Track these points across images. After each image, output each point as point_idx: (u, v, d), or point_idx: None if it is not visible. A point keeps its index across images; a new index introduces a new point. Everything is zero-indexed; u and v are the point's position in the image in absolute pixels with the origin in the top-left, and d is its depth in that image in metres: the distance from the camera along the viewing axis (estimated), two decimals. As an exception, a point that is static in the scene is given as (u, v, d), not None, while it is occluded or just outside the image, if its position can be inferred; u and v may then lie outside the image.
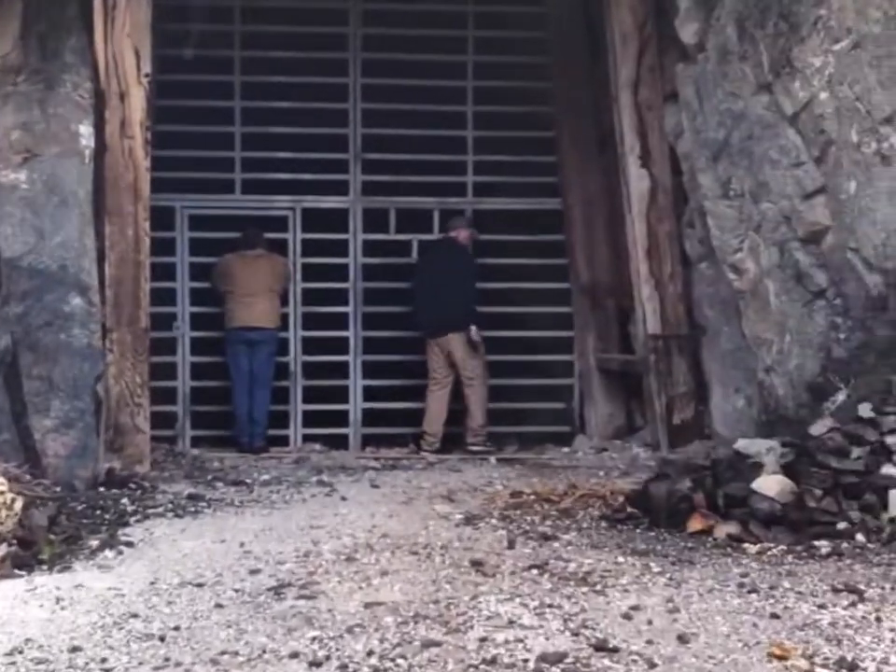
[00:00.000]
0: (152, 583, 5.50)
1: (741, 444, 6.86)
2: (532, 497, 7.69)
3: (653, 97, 9.34)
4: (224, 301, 10.50)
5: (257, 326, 10.41)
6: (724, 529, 6.43)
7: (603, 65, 9.86)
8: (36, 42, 8.40)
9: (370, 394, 11.00)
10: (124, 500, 7.29)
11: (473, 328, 10.17)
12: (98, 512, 6.91)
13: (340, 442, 11.11)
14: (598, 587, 5.42)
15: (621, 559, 5.94)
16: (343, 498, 7.70)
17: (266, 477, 8.63)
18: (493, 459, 9.83)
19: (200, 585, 5.46)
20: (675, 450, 9.19)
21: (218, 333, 10.63)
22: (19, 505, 5.90)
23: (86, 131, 8.52)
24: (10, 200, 8.13)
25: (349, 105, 10.89)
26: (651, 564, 5.86)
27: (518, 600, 5.19)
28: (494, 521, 6.96)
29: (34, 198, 8.16)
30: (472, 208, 11.04)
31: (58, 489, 7.02)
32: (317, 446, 10.86)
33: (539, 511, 7.28)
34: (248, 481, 8.43)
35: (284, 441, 10.89)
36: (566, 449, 10.60)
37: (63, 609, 5.17)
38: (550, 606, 5.12)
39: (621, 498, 7.38)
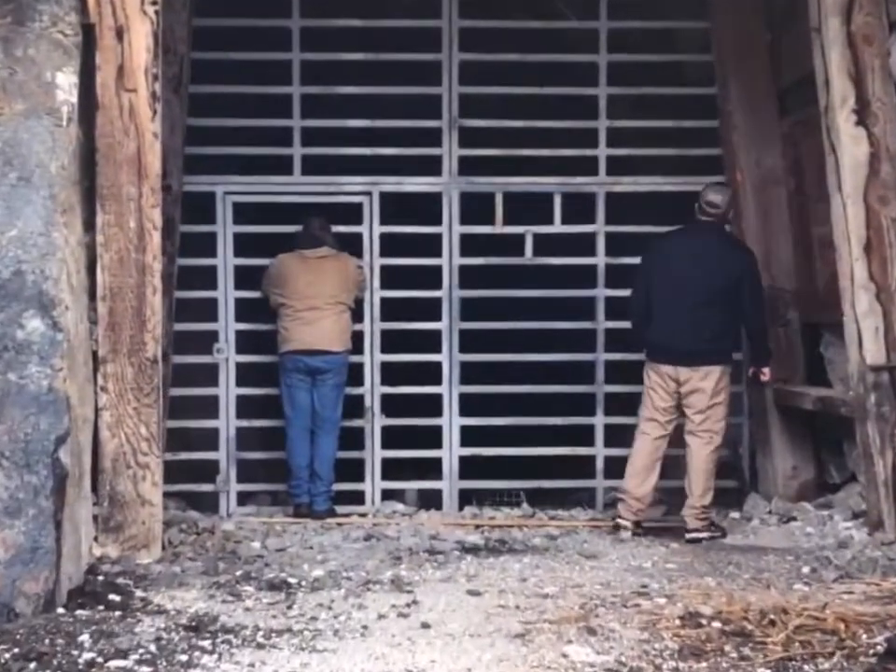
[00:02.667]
0: None
1: None
2: (716, 623, 4.97)
3: (874, 25, 6.51)
4: (278, 316, 7.94)
5: (321, 349, 7.82)
6: None
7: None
8: (-2, -44, 5.95)
9: (470, 437, 8.36)
10: (83, 637, 4.68)
11: (766, 368, 7.45)
12: (30, 667, 4.34)
13: (431, 498, 8.52)
14: None
15: None
16: (425, 626, 5.02)
17: (319, 573, 6.00)
18: (627, 534, 7.12)
19: None
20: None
21: (271, 358, 8.08)
22: None
23: (66, 81, 5.99)
24: (-53, 176, 5.68)
25: (443, 56, 8.24)
26: None
27: None
28: (666, 683, 4.29)
29: (-21, 173, 5.69)
30: (605, 191, 8.31)
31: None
32: (400, 506, 8.26)
33: (736, 659, 4.56)
34: (292, 580, 5.80)
35: (357, 498, 8.29)
36: (735, 514, 7.85)
37: None
38: None
39: (865, 635, 4.66)
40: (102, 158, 6.27)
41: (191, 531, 6.70)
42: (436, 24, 8.19)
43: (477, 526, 7.64)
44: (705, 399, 7.19)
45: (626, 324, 7.68)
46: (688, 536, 7.12)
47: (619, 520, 7.22)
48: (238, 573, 5.96)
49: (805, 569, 6.10)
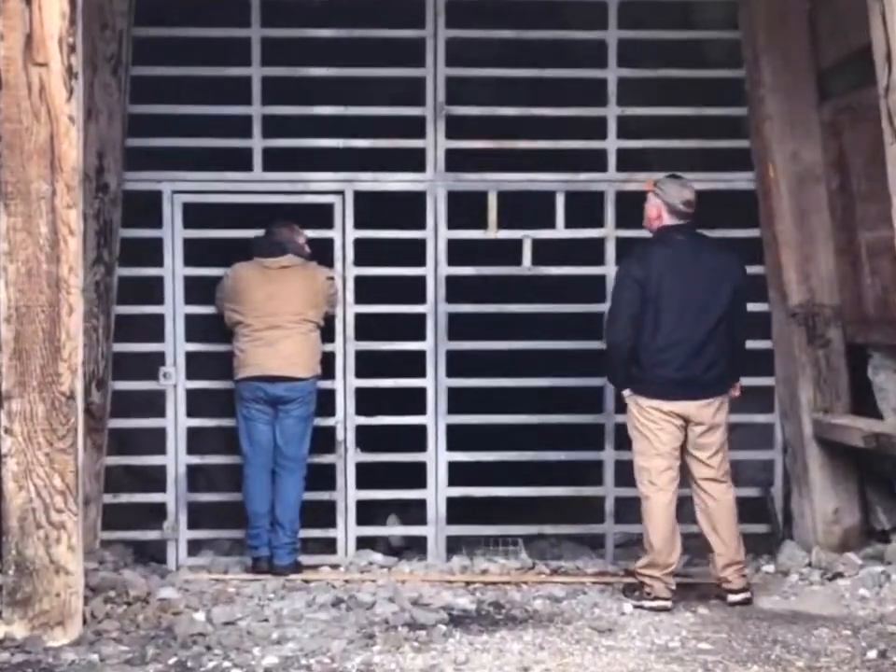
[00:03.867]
0: None
1: None
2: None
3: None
4: (234, 336, 6.78)
5: (283, 375, 6.66)
6: None
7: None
8: None
9: (459, 475, 7.20)
10: None
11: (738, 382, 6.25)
12: None
13: (414, 545, 7.39)
14: None
15: None
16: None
17: (272, 660, 4.84)
18: (637, 602, 5.96)
19: None
20: None
21: (227, 385, 6.92)
22: None
23: (-42, 51, 4.85)
24: None
25: (427, 33, 7.09)
26: None
27: None
28: None
29: None
30: (615, 189, 7.16)
31: None
32: (378, 556, 7.11)
33: None
34: (239, 672, 4.66)
35: (327, 546, 7.15)
36: (769, 567, 6.74)
37: None
38: None
39: None
40: (5, 147, 5.11)
41: (121, 600, 5.53)
42: (418, -4, 7.06)
43: (467, 584, 6.51)
44: (719, 435, 6.04)
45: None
46: (734, 598, 5.95)
47: (658, 603, 5.89)
48: (171, 661, 4.79)
49: (872, 653, 4.95)
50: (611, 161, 7.13)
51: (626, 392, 6.07)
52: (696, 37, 7.24)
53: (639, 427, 6.02)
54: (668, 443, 5.99)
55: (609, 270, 7.05)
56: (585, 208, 7.17)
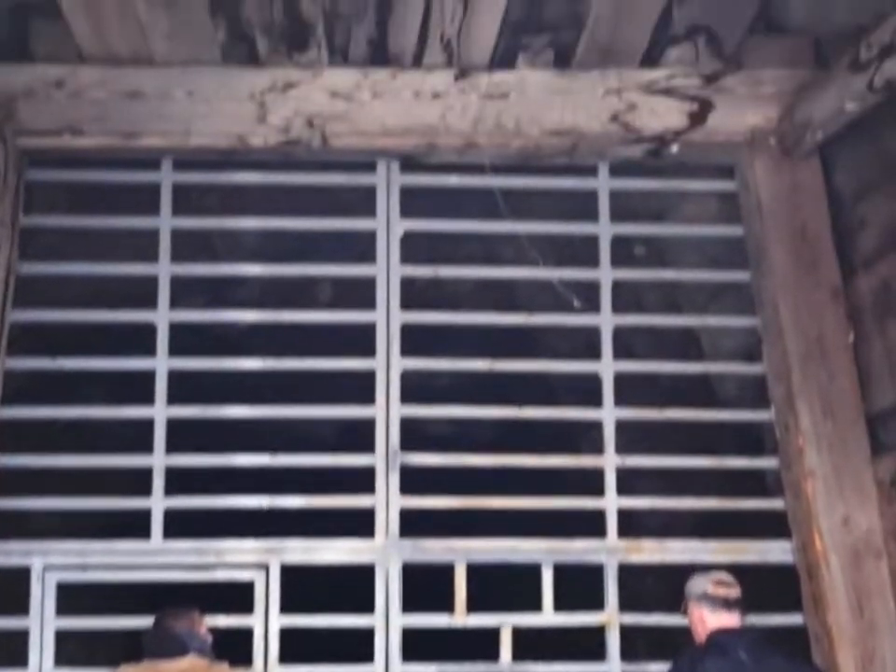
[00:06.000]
0: None
1: None
2: None
3: None
4: None
5: None
6: None
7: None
8: None
9: None
10: None
11: None
12: None
13: None
14: None
15: None
16: None
17: None
18: None
19: None
20: None
21: None
22: None
23: None
24: None
25: (378, 364, 5.65)
26: None
27: None
28: None
29: None
30: (616, 561, 5.59)
31: None
32: None
33: None
34: None
35: None
36: None
37: None
38: None
39: None
40: None
41: None
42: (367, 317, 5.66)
43: None
44: None
45: None
46: None
47: None
48: None
49: None
50: (611, 524, 5.61)
51: None
52: (707, 371, 5.91)
53: None
54: None
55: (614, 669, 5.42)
56: (580, 585, 5.60)
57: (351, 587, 5.65)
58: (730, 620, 4.59)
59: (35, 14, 5.42)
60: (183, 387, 5.52)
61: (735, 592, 4.68)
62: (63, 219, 5.67)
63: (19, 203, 5.46)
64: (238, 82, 5.55)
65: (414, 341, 5.69)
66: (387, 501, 5.55)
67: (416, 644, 5.56)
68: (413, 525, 5.61)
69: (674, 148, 5.65)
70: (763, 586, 5.59)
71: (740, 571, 5.24)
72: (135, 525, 5.44)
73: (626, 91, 5.63)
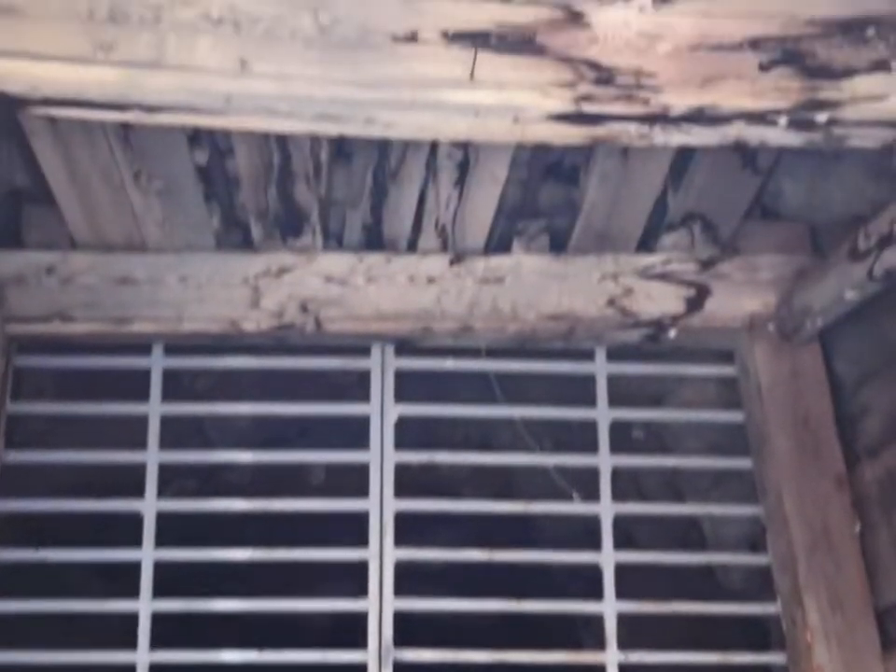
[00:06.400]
0: None
1: None
2: None
3: None
4: None
5: None
6: None
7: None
8: None
9: None
10: None
11: None
12: None
13: None
14: None
15: None
16: None
17: None
18: None
19: None
20: None
21: None
22: None
23: None
24: None
25: (371, 554, 5.48)
26: None
27: None
28: None
29: None
30: None
31: None
32: None
33: None
34: None
35: None
36: None
37: None
38: None
39: None
40: None
41: None
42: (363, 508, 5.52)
43: None
44: None
45: None
46: None
47: None
48: None
49: None
50: None
51: None
52: (711, 561, 5.74)
53: None
54: None
55: None
56: None
57: None
58: None
59: (28, 202, 5.41)
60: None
61: None
62: (51, 406, 5.56)
63: (6, 389, 5.37)
64: (232, 267, 5.51)
65: (409, 525, 5.53)
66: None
67: None
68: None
69: (672, 334, 5.58)
70: None
71: None
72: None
73: (623, 276, 5.59)
